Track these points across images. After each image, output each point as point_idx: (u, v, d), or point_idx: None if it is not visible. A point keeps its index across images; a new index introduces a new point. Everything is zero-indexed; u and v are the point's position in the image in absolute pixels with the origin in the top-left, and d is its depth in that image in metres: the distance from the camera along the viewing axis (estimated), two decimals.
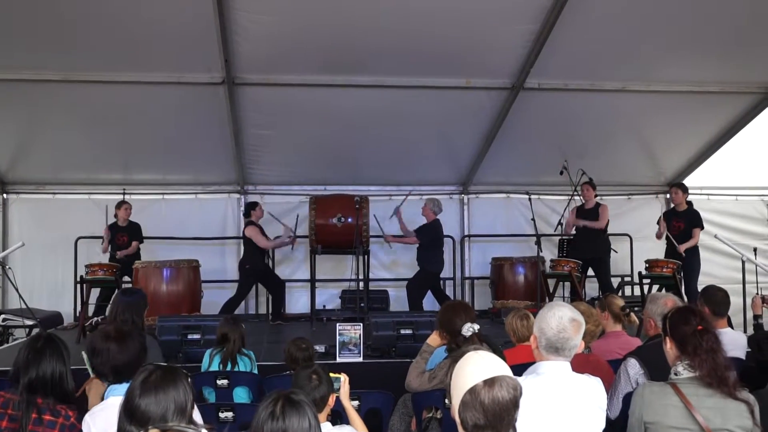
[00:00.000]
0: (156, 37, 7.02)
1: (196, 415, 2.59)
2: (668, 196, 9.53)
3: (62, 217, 9.65)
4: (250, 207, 8.89)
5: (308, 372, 3.26)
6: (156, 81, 7.73)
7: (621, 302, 4.86)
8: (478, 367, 2.14)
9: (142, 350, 3.33)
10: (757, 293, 8.15)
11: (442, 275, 9.12)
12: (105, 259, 8.46)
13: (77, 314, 8.54)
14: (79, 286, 8.17)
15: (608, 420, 3.22)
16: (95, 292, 8.10)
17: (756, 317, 5.71)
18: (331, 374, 3.39)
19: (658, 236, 8.43)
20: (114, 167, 9.56)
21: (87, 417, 3.01)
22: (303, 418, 2.22)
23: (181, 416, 2.40)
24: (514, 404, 2.11)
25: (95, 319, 8.08)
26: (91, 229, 9.33)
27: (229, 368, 4.74)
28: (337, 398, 3.40)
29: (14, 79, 7.53)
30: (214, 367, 4.76)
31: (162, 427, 1.75)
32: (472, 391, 2.08)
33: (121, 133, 8.68)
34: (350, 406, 3.50)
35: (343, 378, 3.43)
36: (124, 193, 9.19)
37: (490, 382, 2.08)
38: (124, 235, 8.76)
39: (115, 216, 8.79)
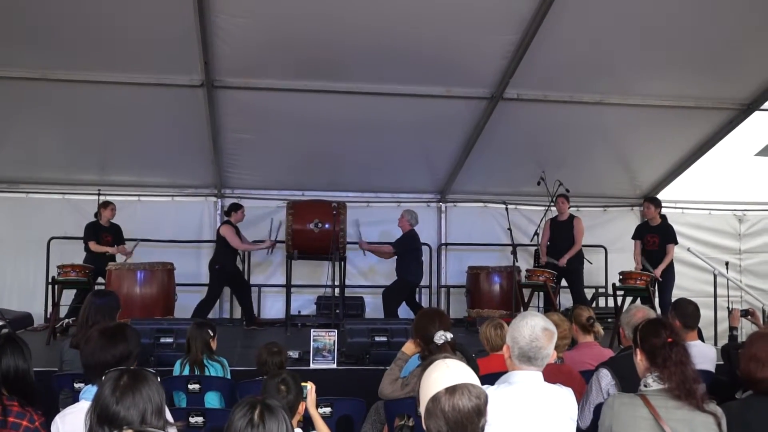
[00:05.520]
0: (136, 37, 6.97)
1: (167, 414, 2.57)
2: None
3: (35, 217, 9.55)
4: (233, 208, 8.81)
5: (276, 381, 3.23)
6: (135, 82, 7.65)
7: (587, 313, 4.89)
8: (442, 375, 2.14)
9: (130, 352, 3.29)
10: (728, 307, 8.28)
11: (419, 284, 9.12)
12: (79, 259, 8.35)
13: (48, 316, 8.43)
14: (50, 287, 8.08)
15: (579, 430, 3.24)
16: (67, 294, 8.00)
17: (732, 329, 5.78)
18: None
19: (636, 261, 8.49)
20: (90, 167, 9.46)
21: (57, 418, 2.99)
22: (281, 424, 2.21)
23: (159, 416, 2.39)
24: (476, 413, 2.09)
25: (66, 320, 7.98)
26: (65, 229, 9.25)
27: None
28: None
29: None
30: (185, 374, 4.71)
31: (136, 429, 1.74)
32: (434, 399, 2.08)
33: (97, 133, 8.59)
34: (317, 414, 3.48)
35: (310, 386, 3.42)
36: (99, 194, 9.09)
37: (451, 390, 2.08)
38: (108, 235, 8.67)
39: (97, 216, 8.68)
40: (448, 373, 2.14)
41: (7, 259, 9.38)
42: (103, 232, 8.63)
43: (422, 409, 2.13)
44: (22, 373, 3.15)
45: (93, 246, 8.48)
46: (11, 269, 9.49)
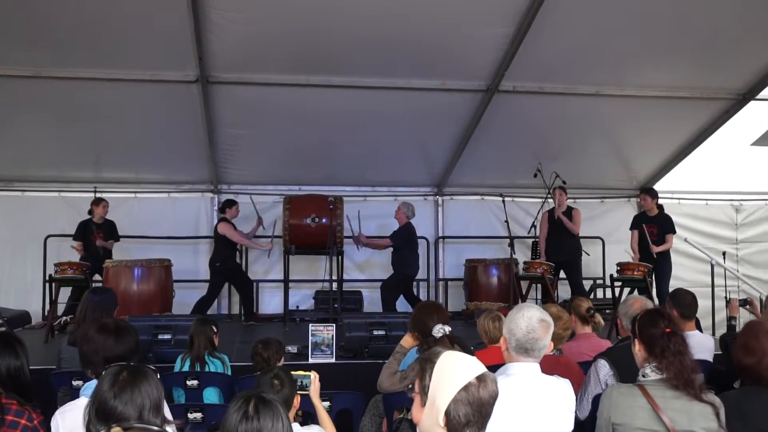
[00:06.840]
0: (129, 34, 6.94)
1: (166, 411, 2.57)
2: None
3: (31, 215, 9.51)
4: (227, 204, 8.82)
5: (269, 377, 3.22)
6: (129, 78, 7.62)
7: (587, 304, 4.89)
8: (464, 365, 2.13)
9: (137, 347, 3.31)
10: (725, 297, 8.29)
11: (416, 276, 9.13)
12: (75, 257, 8.33)
13: (46, 313, 8.42)
14: (47, 284, 8.06)
15: (577, 421, 3.25)
16: (64, 291, 7.99)
17: (730, 318, 5.79)
18: (302, 372, 3.37)
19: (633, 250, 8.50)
20: (85, 165, 9.42)
21: (57, 414, 2.98)
22: (277, 418, 2.20)
23: (156, 412, 2.38)
24: (496, 399, 2.13)
25: (64, 318, 7.98)
26: (61, 227, 9.22)
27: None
28: (306, 397, 3.38)
29: None
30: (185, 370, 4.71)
31: (125, 426, 1.73)
32: (467, 388, 2.07)
33: (93, 130, 8.56)
34: (320, 404, 3.47)
35: (314, 375, 3.40)
36: (95, 191, 9.07)
37: (482, 379, 2.09)
38: (100, 232, 8.65)
39: (90, 213, 8.68)
40: (468, 362, 2.14)
41: (4, 257, 9.37)
42: (94, 229, 8.62)
43: (441, 400, 2.10)
44: (15, 371, 3.13)
45: (76, 246, 8.50)
46: (8, 267, 9.47)
